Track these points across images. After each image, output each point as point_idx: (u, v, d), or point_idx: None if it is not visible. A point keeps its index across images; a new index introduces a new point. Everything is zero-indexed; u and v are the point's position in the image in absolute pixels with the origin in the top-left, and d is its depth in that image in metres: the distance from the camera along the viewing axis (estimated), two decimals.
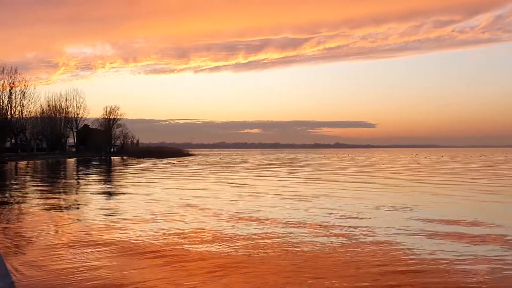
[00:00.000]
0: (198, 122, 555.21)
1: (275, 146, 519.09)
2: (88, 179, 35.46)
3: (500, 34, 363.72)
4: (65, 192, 25.56)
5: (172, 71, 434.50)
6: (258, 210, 16.91)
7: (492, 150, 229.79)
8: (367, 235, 12.24)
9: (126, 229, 13.15)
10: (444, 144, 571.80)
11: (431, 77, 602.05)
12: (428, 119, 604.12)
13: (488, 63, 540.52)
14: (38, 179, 35.75)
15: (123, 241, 11.52)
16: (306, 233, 12.48)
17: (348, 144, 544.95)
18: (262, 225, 13.81)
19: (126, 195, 23.35)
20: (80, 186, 29.81)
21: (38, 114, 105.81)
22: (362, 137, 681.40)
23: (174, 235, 12.22)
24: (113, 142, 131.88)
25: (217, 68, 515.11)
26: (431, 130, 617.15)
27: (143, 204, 18.96)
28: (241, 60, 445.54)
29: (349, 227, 13.44)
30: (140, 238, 11.83)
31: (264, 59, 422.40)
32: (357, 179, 34.13)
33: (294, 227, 13.38)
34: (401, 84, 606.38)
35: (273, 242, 11.31)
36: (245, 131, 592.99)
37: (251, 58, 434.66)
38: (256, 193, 23.52)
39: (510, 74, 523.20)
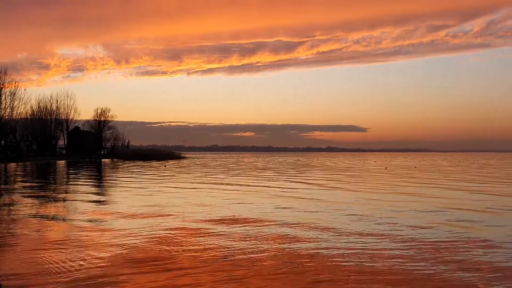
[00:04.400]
0: (190, 125, 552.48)
1: (268, 149, 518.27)
2: (80, 183, 34.99)
3: (492, 40, 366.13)
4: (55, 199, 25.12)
5: (164, 73, 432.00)
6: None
7: (483, 155, 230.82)
8: None
9: None
10: (435, 148, 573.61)
11: (423, 82, 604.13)
12: (420, 124, 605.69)
13: (481, 68, 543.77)
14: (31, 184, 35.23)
15: None
16: None
17: (340, 148, 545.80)
18: None
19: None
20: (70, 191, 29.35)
21: (28, 115, 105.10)
22: (354, 141, 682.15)
23: None
24: (103, 144, 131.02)
25: (210, 71, 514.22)
26: (423, 134, 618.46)
27: None
28: (234, 63, 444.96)
29: None
30: None
31: (257, 62, 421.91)
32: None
33: None
34: (393, 88, 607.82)
35: None
36: (238, 134, 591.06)
37: (245, 61, 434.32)
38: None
39: (502, 79, 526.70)
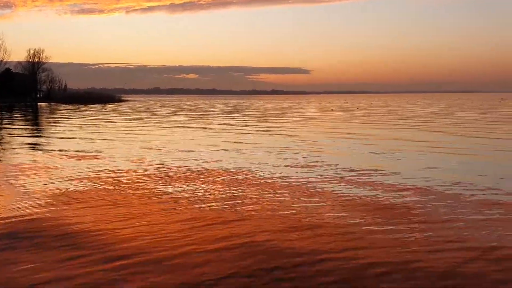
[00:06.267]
0: (130, 66, 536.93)
1: (212, 92, 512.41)
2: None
3: None
4: None
5: (101, 11, 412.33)
6: None
7: (422, 96, 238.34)
8: None
9: None
10: (379, 90, 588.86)
11: (366, 23, 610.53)
12: (363, 65, 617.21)
13: (428, 9, 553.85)
14: None
15: None
16: None
17: (284, 90, 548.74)
18: None
19: None
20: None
21: None
22: (297, 84, 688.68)
23: None
24: (38, 87, 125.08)
25: (150, 9, 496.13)
26: (366, 76, 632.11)
27: None
28: (176, 0, 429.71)
29: None
30: None
31: (200, 0, 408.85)
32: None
33: None
34: (337, 29, 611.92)
35: None
36: (181, 76, 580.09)
37: None
38: None
39: (444, 21, 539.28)
